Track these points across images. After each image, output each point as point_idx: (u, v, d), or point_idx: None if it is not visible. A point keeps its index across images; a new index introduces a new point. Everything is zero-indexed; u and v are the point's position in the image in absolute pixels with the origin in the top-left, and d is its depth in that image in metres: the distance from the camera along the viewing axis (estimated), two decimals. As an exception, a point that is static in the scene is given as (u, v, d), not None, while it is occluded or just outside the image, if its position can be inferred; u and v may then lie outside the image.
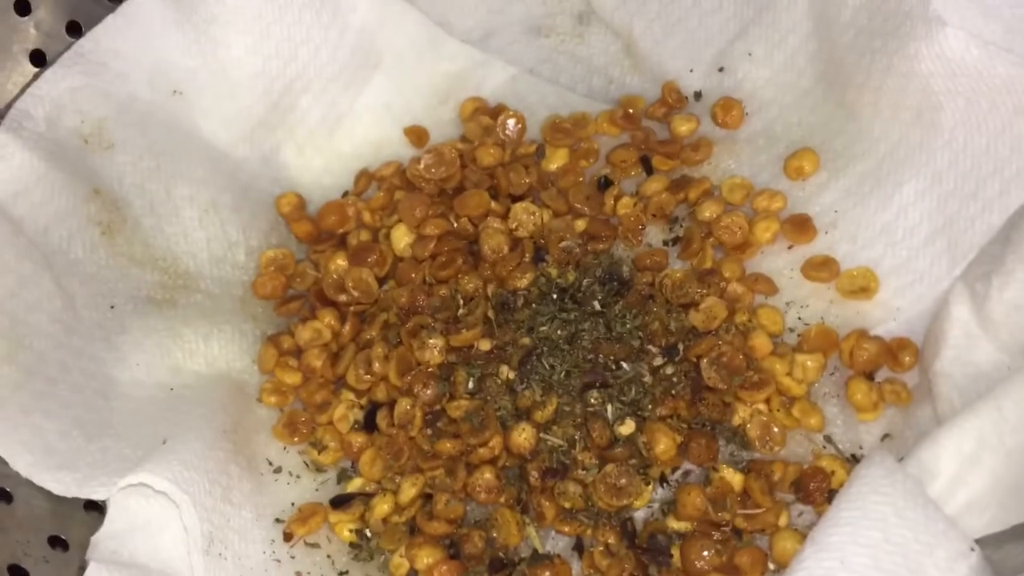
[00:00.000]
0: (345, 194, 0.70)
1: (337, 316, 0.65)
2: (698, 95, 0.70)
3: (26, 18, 0.62)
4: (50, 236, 0.60)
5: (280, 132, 0.70)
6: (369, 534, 0.58)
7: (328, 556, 0.58)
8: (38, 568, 0.54)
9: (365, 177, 0.70)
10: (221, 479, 0.56)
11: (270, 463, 0.61)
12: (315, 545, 0.58)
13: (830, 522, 0.48)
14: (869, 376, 0.58)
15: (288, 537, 0.58)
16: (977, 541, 0.47)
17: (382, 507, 0.58)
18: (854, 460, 0.56)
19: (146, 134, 0.65)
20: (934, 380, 0.54)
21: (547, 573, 0.55)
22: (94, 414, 0.58)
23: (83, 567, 0.53)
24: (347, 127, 0.72)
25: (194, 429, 0.57)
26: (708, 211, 0.64)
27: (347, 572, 0.57)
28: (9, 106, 0.60)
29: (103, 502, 0.55)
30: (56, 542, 0.55)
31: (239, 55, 0.67)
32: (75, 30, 0.64)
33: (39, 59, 0.63)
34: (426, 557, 0.56)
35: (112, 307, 0.62)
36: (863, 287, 0.60)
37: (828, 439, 0.57)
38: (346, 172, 0.71)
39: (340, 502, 0.59)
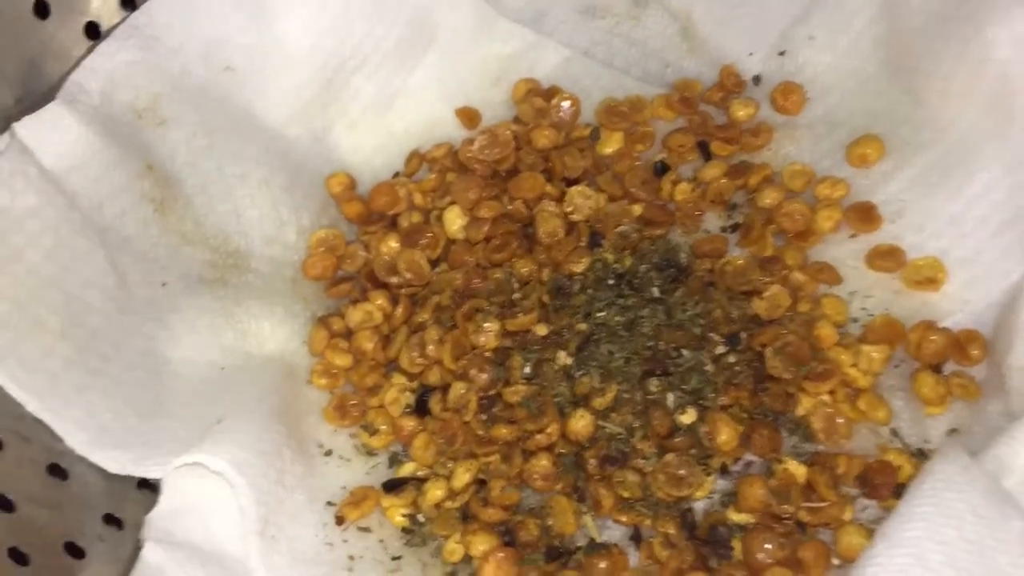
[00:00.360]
0: (396, 175, 0.70)
1: (388, 298, 0.64)
2: (757, 79, 0.69)
3: (80, -11, 0.61)
4: (104, 212, 0.59)
5: (333, 110, 0.69)
6: (422, 519, 0.58)
7: (380, 541, 0.57)
8: (93, 546, 0.53)
9: (416, 158, 0.69)
10: (275, 461, 0.55)
11: (320, 446, 0.60)
12: (367, 529, 0.57)
13: (903, 517, 0.47)
14: (936, 369, 0.57)
15: (340, 521, 0.57)
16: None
17: (435, 492, 0.57)
18: (921, 455, 0.55)
19: (199, 111, 0.64)
20: (1007, 374, 0.53)
21: (604, 563, 0.54)
22: (147, 392, 0.57)
23: (137, 545, 0.53)
24: (400, 106, 0.71)
25: (247, 410, 0.57)
26: (769, 198, 0.63)
27: (400, 557, 0.57)
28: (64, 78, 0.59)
29: (156, 481, 0.55)
30: (111, 520, 0.55)
31: (294, 30, 0.66)
32: (129, 3, 0.63)
33: (94, 32, 0.62)
34: (481, 544, 0.55)
35: (164, 285, 0.61)
36: (930, 278, 0.59)
37: (894, 432, 0.56)
38: (398, 152, 0.70)
39: (392, 486, 0.58)
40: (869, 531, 0.51)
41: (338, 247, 0.67)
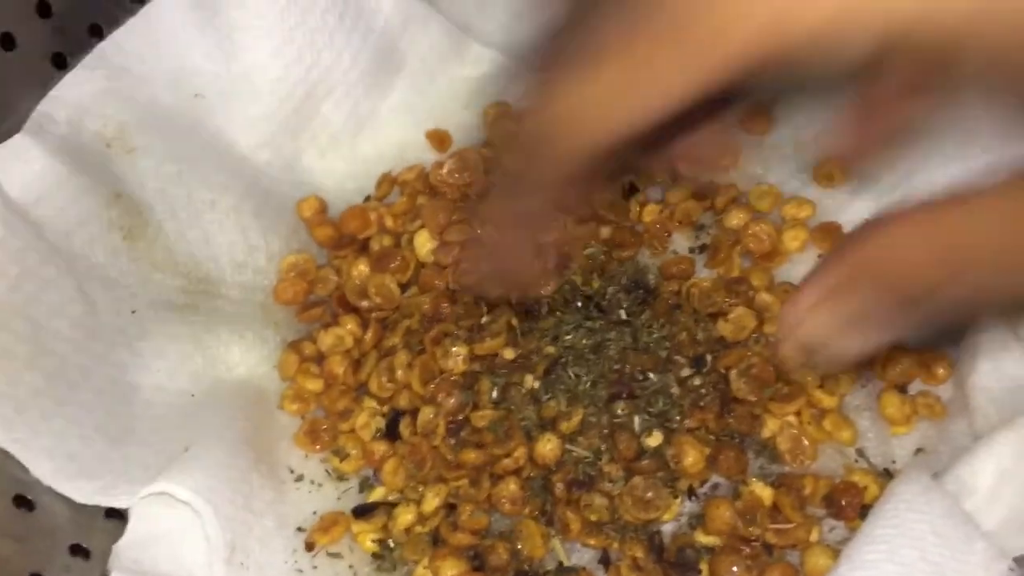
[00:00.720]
0: (367, 198, 0.70)
1: (359, 322, 0.64)
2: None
3: (47, 20, 0.61)
4: (72, 240, 0.59)
5: (303, 137, 0.69)
6: (392, 544, 0.58)
7: (351, 566, 0.57)
8: (59, 577, 0.53)
9: (387, 182, 0.69)
10: (243, 487, 0.56)
11: (291, 471, 0.60)
12: (337, 555, 0.57)
13: (865, 539, 0.47)
14: (902, 389, 0.57)
15: (310, 547, 0.57)
16: (1016, 560, 0.46)
17: (405, 517, 0.57)
18: (887, 475, 0.55)
19: (168, 138, 0.64)
20: (971, 394, 0.53)
21: None
22: (116, 420, 0.57)
23: (104, 575, 0.53)
24: (369, 131, 0.71)
25: (216, 436, 0.57)
26: (735, 219, 0.63)
27: (371, 583, 0.57)
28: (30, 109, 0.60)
29: (124, 510, 0.55)
30: (78, 550, 0.55)
31: (261, 60, 0.66)
32: (96, 33, 0.63)
33: (60, 62, 0.62)
34: (450, 569, 0.55)
35: (133, 312, 0.61)
36: None
37: (860, 453, 0.56)
38: (369, 176, 0.70)
39: (362, 512, 0.58)
40: (835, 552, 0.51)
41: (309, 271, 0.67)
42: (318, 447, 0.61)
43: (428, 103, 0.71)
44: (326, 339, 0.63)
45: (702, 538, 0.54)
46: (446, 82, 0.72)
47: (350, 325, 0.64)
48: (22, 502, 0.54)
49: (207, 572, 0.53)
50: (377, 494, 0.60)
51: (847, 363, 0.48)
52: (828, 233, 0.62)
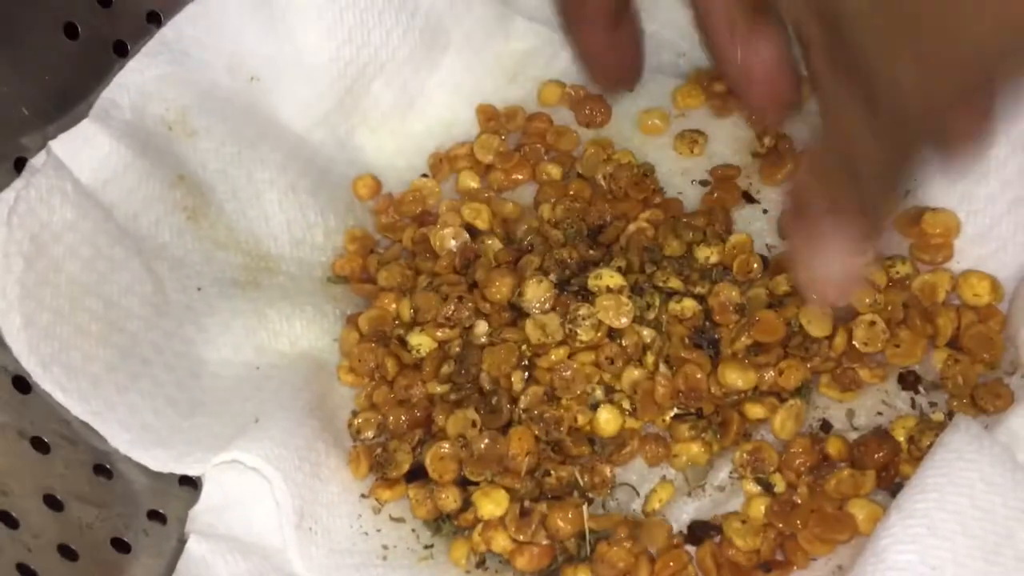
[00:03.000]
0: (424, 176, 0.71)
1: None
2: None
3: (107, 9, 0.63)
4: (139, 222, 0.62)
5: (355, 116, 0.71)
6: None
7: (413, 530, 0.59)
8: (139, 540, 0.56)
9: (442, 160, 0.71)
10: (310, 455, 0.58)
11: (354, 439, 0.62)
12: (400, 519, 0.59)
13: (916, 488, 0.48)
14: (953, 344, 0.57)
15: (378, 500, 0.59)
16: (1067, 507, 0.47)
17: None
18: (939, 427, 0.55)
19: (227, 121, 0.66)
20: (1021, 348, 0.54)
21: None
22: (186, 393, 0.60)
23: (181, 539, 0.55)
24: (419, 109, 0.72)
25: (282, 407, 0.59)
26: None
27: (432, 546, 0.58)
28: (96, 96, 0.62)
29: (197, 477, 0.57)
30: (155, 516, 0.57)
31: (314, 41, 0.68)
32: (154, 19, 0.65)
33: (122, 49, 0.64)
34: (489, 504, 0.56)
35: (199, 289, 0.63)
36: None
37: (913, 404, 0.57)
38: (419, 153, 0.72)
39: (413, 476, 0.59)
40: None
41: (368, 246, 0.68)
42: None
43: (475, 78, 0.73)
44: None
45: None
46: (492, 57, 0.73)
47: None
48: (101, 471, 0.57)
49: (278, 536, 0.56)
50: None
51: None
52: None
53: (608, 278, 0.59)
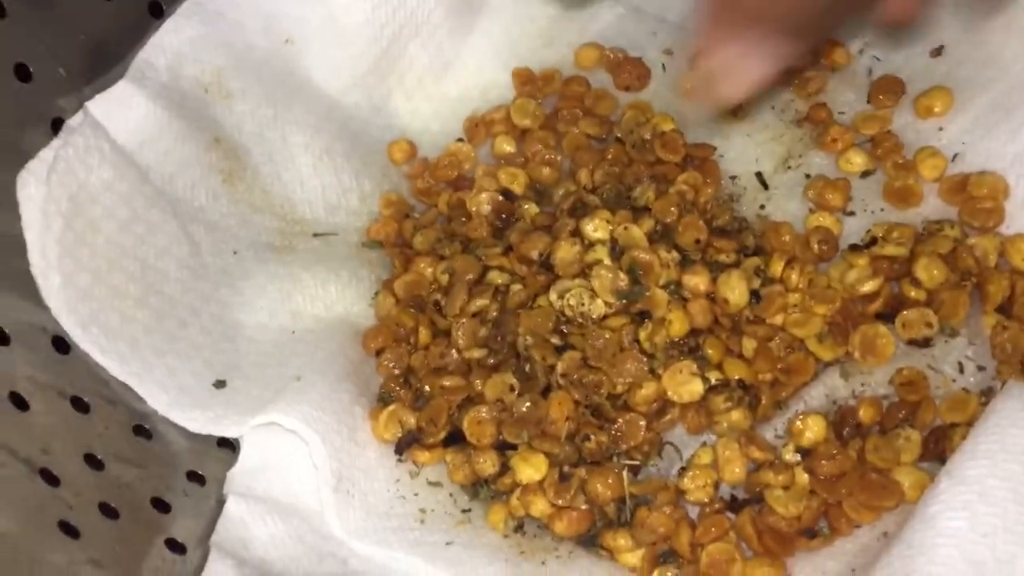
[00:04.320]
0: (460, 140, 0.70)
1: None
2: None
3: (143, -29, 0.63)
4: (175, 184, 0.62)
5: (390, 79, 0.70)
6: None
7: (451, 495, 0.59)
8: (178, 500, 0.56)
9: (478, 125, 0.70)
10: (347, 419, 0.57)
11: (390, 404, 0.62)
12: (438, 484, 0.59)
13: (967, 455, 0.47)
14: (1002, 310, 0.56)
15: (413, 460, 0.58)
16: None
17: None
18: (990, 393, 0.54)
19: (262, 83, 0.66)
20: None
21: None
22: (223, 356, 0.60)
23: (219, 500, 0.56)
24: (454, 72, 0.72)
25: (318, 371, 0.59)
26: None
27: (470, 510, 0.58)
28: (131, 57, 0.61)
29: (235, 440, 0.57)
30: (194, 476, 0.57)
31: (348, 3, 0.67)
32: (190, -18, 0.65)
33: (157, 11, 0.63)
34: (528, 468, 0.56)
35: (235, 253, 0.63)
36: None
37: (961, 369, 0.56)
38: (454, 117, 0.71)
39: (452, 440, 0.59)
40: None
41: (403, 210, 0.68)
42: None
43: (510, 42, 0.72)
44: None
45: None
46: (527, 20, 0.72)
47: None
48: (141, 431, 0.57)
49: (315, 498, 0.56)
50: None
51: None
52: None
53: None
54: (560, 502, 0.55)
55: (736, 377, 0.57)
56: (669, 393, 0.56)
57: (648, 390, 0.56)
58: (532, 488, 0.56)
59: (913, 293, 0.56)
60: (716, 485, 0.55)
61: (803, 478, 0.54)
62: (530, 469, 0.56)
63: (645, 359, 0.57)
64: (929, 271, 0.56)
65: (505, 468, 0.57)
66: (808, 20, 0.50)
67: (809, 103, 0.65)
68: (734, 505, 0.55)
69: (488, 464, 0.57)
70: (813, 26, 0.52)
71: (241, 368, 0.60)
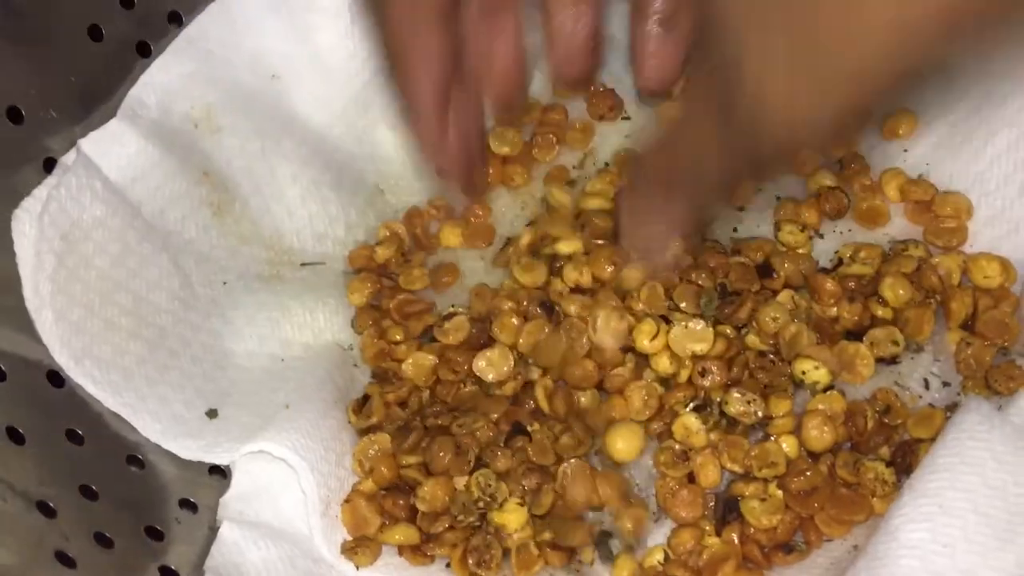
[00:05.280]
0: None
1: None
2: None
3: (130, 11, 0.65)
4: (166, 218, 0.63)
5: (373, 111, 0.72)
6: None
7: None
8: (171, 528, 0.57)
9: None
10: (335, 445, 0.59)
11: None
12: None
13: (927, 469, 0.48)
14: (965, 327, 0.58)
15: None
16: (1079, 484, 0.47)
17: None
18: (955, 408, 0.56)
19: (250, 118, 0.68)
20: (1033, 328, 0.54)
21: None
22: (214, 384, 0.61)
23: (212, 526, 0.57)
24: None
25: (307, 398, 0.60)
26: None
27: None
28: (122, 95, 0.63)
29: (226, 467, 0.59)
30: (186, 504, 0.59)
31: (332, 39, 0.69)
32: (175, 20, 0.67)
33: (145, 50, 0.65)
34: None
35: (224, 283, 0.65)
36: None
37: (926, 386, 0.57)
38: (438, 148, 0.73)
39: None
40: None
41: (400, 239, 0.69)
42: None
43: None
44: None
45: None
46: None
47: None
48: (133, 461, 0.58)
49: (304, 524, 0.57)
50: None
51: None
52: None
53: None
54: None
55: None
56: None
57: None
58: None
59: (880, 312, 0.58)
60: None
61: (778, 492, 0.55)
62: (510, 517, 0.56)
63: None
64: (895, 290, 0.58)
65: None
66: (720, 186, 0.52)
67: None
68: (718, 527, 0.56)
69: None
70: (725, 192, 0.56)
71: (232, 396, 0.61)
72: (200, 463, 0.58)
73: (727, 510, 0.56)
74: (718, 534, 0.55)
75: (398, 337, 0.64)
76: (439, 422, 0.59)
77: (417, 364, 0.62)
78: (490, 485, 0.56)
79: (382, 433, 0.59)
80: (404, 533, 0.57)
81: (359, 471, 0.59)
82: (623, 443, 0.57)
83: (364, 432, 0.60)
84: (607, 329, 0.58)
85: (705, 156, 0.46)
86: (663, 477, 0.57)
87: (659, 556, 0.55)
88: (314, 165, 0.69)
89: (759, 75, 0.39)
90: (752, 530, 0.55)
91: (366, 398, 0.61)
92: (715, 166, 0.47)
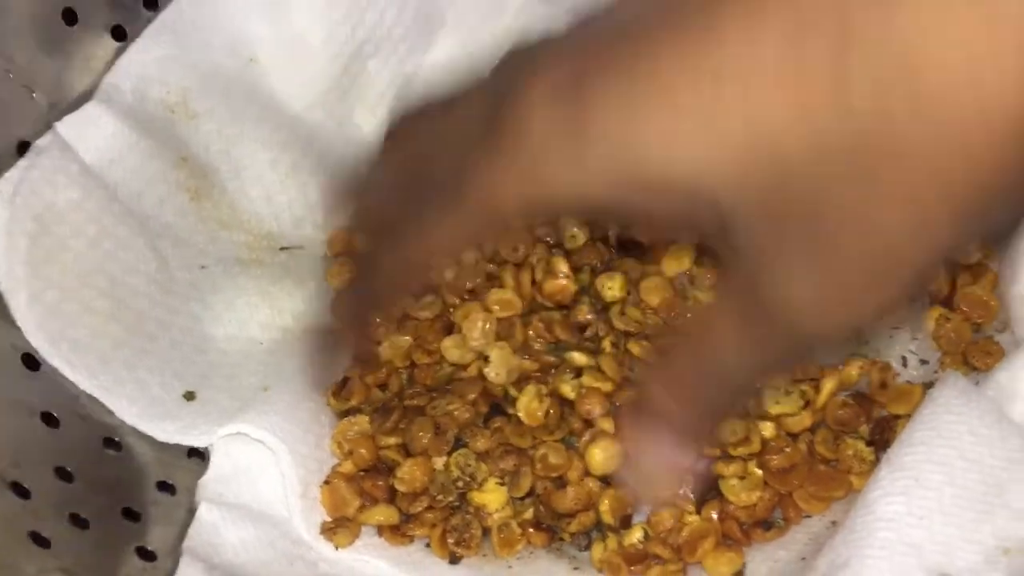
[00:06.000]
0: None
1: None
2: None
3: (107, -6, 0.64)
4: (143, 202, 0.63)
5: (352, 95, 0.72)
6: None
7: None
8: (149, 510, 0.57)
9: None
10: (314, 427, 0.59)
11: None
12: (403, 489, 0.60)
13: (905, 443, 0.49)
14: (946, 303, 0.58)
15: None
16: (1054, 457, 0.47)
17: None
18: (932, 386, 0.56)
19: (228, 102, 0.67)
20: (1013, 304, 0.54)
21: None
22: (193, 368, 0.61)
23: (190, 508, 0.57)
24: (415, 88, 0.73)
25: (286, 381, 0.60)
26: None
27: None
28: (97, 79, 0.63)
29: (204, 450, 0.58)
30: (164, 486, 0.59)
31: (309, 21, 0.69)
32: (151, 5, 0.66)
33: (120, 34, 0.65)
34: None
35: (203, 267, 0.65)
36: None
37: (904, 363, 0.57)
38: (419, 133, 0.73)
39: None
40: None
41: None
42: None
43: (470, 57, 0.73)
44: None
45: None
46: (487, 35, 0.73)
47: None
48: (111, 444, 0.58)
49: (283, 505, 0.57)
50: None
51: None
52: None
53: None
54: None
55: None
56: None
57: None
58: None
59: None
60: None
61: (757, 471, 0.55)
62: (490, 497, 0.57)
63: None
64: None
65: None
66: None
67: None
68: (698, 506, 0.56)
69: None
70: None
71: (211, 379, 0.61)
72: (178, 446, 0.58)
73: (706, 489, 0.55)
74: (698, 512, 0.55)
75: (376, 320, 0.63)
76: (416, 403, 0.59)
77: (394, 345, 0.61)
78: (469, 465, 0.56)
79: (361, 415, 0.59)
80: (384, 513, 0.57)
81: (338, 452, 0.59)
82: (602, 455, 0.56)
83: (344, 415, 0.60)
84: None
85: (731, 358, 0.39)
86: None
87: (639, 535, 0.55)
88: (293, 150, 0.69)
89: (785, 280, 0.34)
90: (732, 507, 0.55)
91: (345, 380, 0.61)
92: (737, 372, 0.40)
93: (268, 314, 0.65)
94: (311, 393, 0.60)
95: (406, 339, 0.61)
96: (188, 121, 0.66)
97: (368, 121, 0.73)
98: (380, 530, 0.57)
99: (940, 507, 0.46)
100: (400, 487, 0.57)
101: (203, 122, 0.66)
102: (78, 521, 0.55)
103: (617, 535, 0.56)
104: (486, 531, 0.57)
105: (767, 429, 0.55)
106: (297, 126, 0.70)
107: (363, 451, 0.58)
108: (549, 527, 0.57)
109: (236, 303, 0.65)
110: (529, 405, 0.57)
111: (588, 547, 0.57)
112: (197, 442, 0.58)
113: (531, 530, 0.57)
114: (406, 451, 0.58)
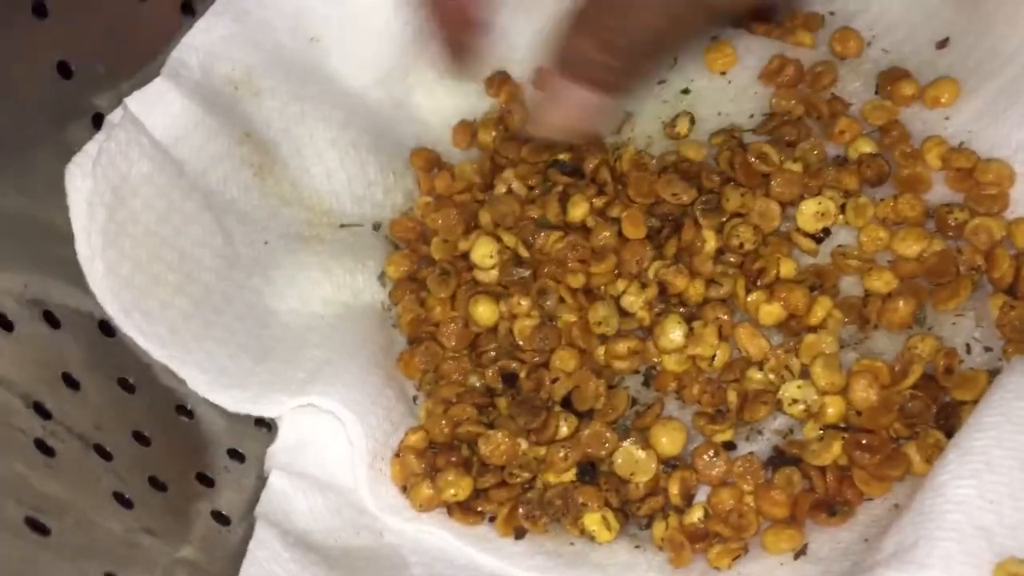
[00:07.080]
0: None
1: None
2: (821, 20, 0.70)
3: (176, -30, 0.65)
4: (208, 177, 0.64)
5: (412, 76, 0.72)
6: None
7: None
8: (221, 476, 0.59)
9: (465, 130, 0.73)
10: (381, 400, 0.60)
11: (414, 391, 0.64)
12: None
13: (973, 427, 0.49)
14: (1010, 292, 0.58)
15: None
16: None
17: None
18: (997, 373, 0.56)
19: (290, 80, 0.68)
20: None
21: None
22: (258, 340, 0.62)
23: (259, 476, 0.59)
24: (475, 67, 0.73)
25: (350, 355, 0.61)
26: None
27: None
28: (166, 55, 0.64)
29: (271, 420, 0.60)
30: (234, 454, 0.60)
31: (370, 2, 0.69)
32: (219, -18, 0.67)
33: (189, 10, 0.66)
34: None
35: (266, 243, 0.65)
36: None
37: (968, 350, 0.58)
38: (475, 112, 0.73)
39: None
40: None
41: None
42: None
43: (526, 37, 0.73)
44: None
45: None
46: (546, 17, 0.73)
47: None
48: (183, 411, 0.59)
49: (350, 475, 0.58)
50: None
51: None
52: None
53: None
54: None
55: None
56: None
57: None
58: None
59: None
60: None
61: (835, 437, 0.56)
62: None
63: None
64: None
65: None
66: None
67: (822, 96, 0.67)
68: (775, 461, 0.57)
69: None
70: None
71: (276, 351, 0.62)
72: (247, 416, 0.59)
73: (777, 463, 0.56)
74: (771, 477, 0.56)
75: (437, 309, 0.65)
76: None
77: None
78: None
79: (461, 403, 0.61)
80: (459, 486, 0.58)
81: (424, 418, 0.61)
82: (667, 439, 0.58)
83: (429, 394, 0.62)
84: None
85: (641, 20, 0.49)
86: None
87: (699, 513, 0.56)
88: (353, 128, 0.70)
89: None
90: (797, 489, 0.55)
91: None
92: (651, 26, 0.49)
93: (329, 290, 0.66)
94: (374, 367, 0.61)
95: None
96: (252, 98, 0.67)
97: (425, 101, 0.73)
98: (449, 509, 0.58)
99: (1011, 491, 0.46)
100: (484, 450, 0.58)
101: (265, 99, 0.67)
102: (157, 484, 0.56)
103: (679, 514, 0.57)
104: (554, 508, 0.57)
105: (835, 407, 0.56)
106: (358, 105, 0.71)
107: (444, 425, 0.59)
108: (622, 509, 0.57)
109: (297, 278, 0.65)
110: None
111: (649, 525, 0.57)
112: (265, 412, 0.59)
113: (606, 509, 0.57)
114: (489, 426, 0.59)
